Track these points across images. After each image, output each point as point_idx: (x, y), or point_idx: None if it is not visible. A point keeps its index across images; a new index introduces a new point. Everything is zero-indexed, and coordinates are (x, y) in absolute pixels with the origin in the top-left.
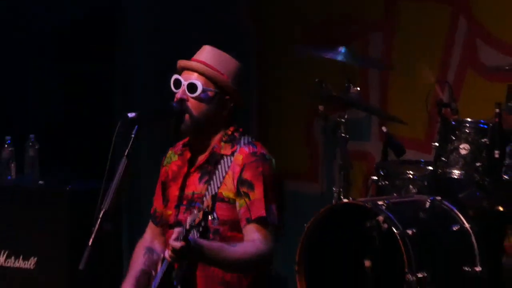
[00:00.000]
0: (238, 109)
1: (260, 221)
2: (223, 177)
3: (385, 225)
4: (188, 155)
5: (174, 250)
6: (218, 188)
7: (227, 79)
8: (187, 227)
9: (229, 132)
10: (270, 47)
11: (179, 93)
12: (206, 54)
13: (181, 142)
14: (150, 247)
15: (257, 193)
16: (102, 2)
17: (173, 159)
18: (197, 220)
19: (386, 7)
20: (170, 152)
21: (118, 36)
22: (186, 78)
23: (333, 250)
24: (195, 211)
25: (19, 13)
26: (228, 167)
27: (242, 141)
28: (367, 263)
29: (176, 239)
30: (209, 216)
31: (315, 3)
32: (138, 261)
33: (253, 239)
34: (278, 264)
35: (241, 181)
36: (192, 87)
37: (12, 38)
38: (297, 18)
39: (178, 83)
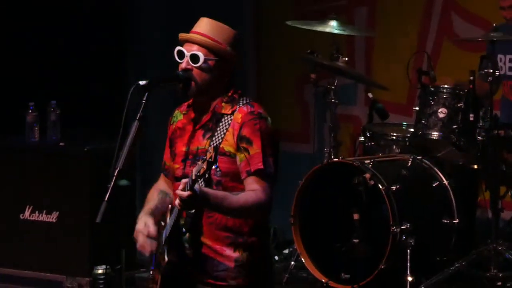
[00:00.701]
0: (236, 72)
1: (259, 173)
2: (224, 134)
3: (372, 182)
4: (192, 114)
5: (182, 199)
6: (220, 143)
7: (225, 47)
8: (193, 177)
9: (229, 94)
10: (266, 18)
11: (183, 63)
12: (205, 26)
13: (185, 103)
14: (163, 190)
15: (255, 148)
16: None
17: (179, 118)
18: (201, 170)
19: None
20: (176, 111)
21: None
22: (188, 50)
23: (324, 204)
24: (200, 163)
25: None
26: (229, 124)
27: (241, 102)
28: (356, 216)
29: (183, 189)
30: (213, 166)
31: None
32: (152, 198)
33: (253, 189)
34: (275, 218)
35: (240, 138)
36: (194, 58)
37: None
38: None
39: (181, 54)
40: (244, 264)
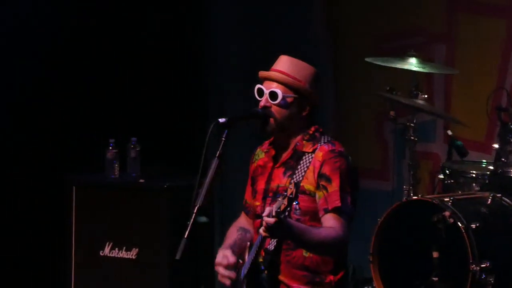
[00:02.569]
0: (316, 109)
1: (336, 211)
2: (305, 172)
3: (451, 220)
4: (273, 152)
5: (268, 226)
6: (301, 181)
7: (304, 85)
8: (273, 213)
9: (310, 132)
10: (345, 55)
11: (262, 101)
12: (284, 63)
13: (267, 141)
14: (243, 227)
15: (334, 186)
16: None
17: (260, 156)
18: (282, 207)
19: (448, 20)
20: (258, 150)
21: (208, 44)
22: (268, 87)
23: (403, 242)
24: (280, 199)
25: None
26: (309, 162)
27: (322, 140)
28: (435, 254)
29: (268, 215)
30: (293, 202)
31: (384, 16)
32: (232, 234)
33: (331, 226)
34: (353, 255)
35: (320, 175)
36: (273, 95)
37: (116, 48)
38: (368, 29)
39: (261, 92)
40: None
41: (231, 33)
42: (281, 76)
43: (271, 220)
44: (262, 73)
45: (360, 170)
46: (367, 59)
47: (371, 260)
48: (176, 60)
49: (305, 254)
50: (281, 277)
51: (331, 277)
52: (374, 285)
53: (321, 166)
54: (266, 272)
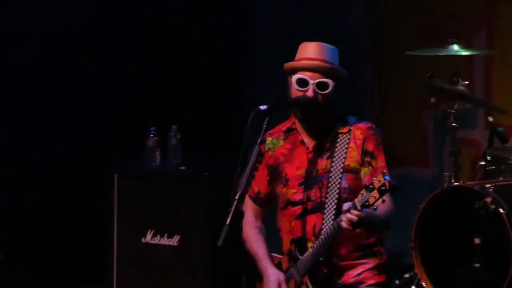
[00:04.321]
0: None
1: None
2: (346, 151)
3: (493, 206)
4: (299, 137)
5: (352, 222)
6: (344, 161)
7: (342, 70)
8: (358, 207)
9: (339, 113)
10: (385, 43)
11: (309, 91)
12: (320, 51)
13: (276, 129)
14: (259, 227)
15: (379, 161)
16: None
17: (279, 144)
18: (372, 200)
19: (488, 8)
20: (269, 138)
21: (248, 34)
22: (312, 77)
23: (444, 228)
24: (364, 192)
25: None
26: (348, 142)
27: (350, 120)
28: (477, 240)
29: (348, 212)
30: (386, 193)
31: (424, 4)
32: (258, 240)
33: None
34: (394, 242)
35: (364, 152)
36: (323, 85)
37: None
38: (408, 17)
39: (304, 82)
40: (375, 267)
41: (271, 23)
42: (326, 66)
43: (358, 214)
44: (305, 63)
45: (400, 157)
46: (407, 52)
47: (412, 246)
48: (217, 50)
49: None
50: (335, 259)
51: (378, 247)
52: (415, 272)
53: (363, 143)
54: (321, 258)
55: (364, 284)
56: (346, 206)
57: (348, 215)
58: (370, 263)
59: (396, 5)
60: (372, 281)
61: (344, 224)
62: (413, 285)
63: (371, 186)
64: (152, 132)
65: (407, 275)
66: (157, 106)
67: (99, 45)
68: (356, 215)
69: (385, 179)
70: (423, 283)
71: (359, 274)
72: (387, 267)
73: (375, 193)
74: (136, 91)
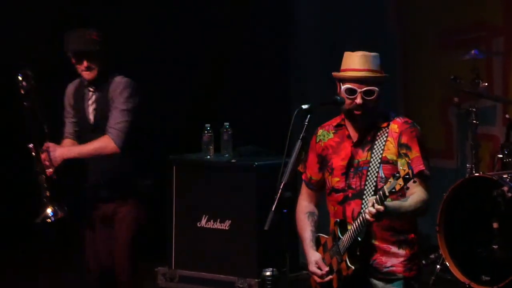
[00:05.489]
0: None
1: (420, 175)
2: (384, 144)
3: (509, 194)
4: (346, 132)
5: (374, 214)
6: (381, 153)
7: (386, 75)
8: (387, 193)
9: (381, 110)
10: (413, 45)
11: (358, 99)
12: (364, 61)
13: (327, 123)
14: (310, 211)
15: (414, 152)
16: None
17: (329, 136)
18: (398, 187)
19: (506, 14)
20: (320, 130)
21: (291, 35)
22: (359, 87)
23: (466, 214)
24: (392, 180)
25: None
26: (386, 135)
27: (389, 115)
28: (495, 224)
29: (373, 205)
30: (410, 181)
31: (448, 10)
32: (305, 224)
33: (416, 191)
34: (422, 226)
35: (400, 145)
36: (369, 93)
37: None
38: (434, 22)
39: (352, 91)
40: (408, 258)
41: (313, 26)
42: (372, 76)
43: (374, 210)
44: (352, 76)
45: (427, 150)
46: (431, 57)
47: (437, 230)
48: (263, 53)
49: None
50: (373, 241)
51: (412, 235)
52: (440, 253)
53: (399, 136)
54: (360, 239)
55: (394, 277)
56: (371, 200)
57: (370, 208)
58: (401, 256)
59: (424, 7)
60: (401, 275)
61: (367, 216)
62: (438, 265)
63: (397, 174)
64: (207, 128)
65: (432, 256)
66: (211, 105)
67: (162, 49)
68: (377, 209)
69: (409, 169)
70: (447, 263)
71: (392, 265)
72: (418, 259)
73: (400, 181)
74: (193, 92)
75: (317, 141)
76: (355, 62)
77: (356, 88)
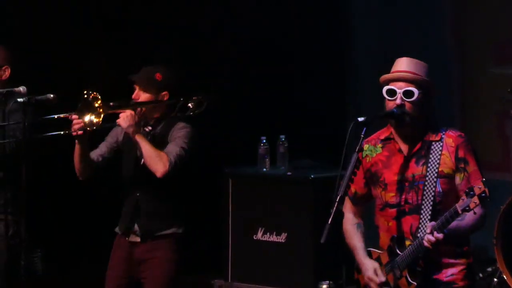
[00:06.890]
0: (433, 100)
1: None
2: (439, 158)
3: None
4: (396, 146)
5: (434, 243)
6: (438, 167)
7: (427, 80)
8: (460, 211)
9: (432, 122)
10: (470, 58)
11: (397, 100)
12: (407, 64)
13: (372, 137)
14: (358, 223)
15: (472, 166)
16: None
17: (377, 151)
18: (472, 205)
19: None
20: (366, 145)
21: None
22: (400, 87)
23: None
24: (465, 198)
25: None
26: (441, 149)
27: (442, 129)
28: None
29: (431, 232)
30: (483, 200)
31: (504, 24)
32: (356, 235)
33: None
34: (478, 239)
35: (458, 159)
36: (409, 94)
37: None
38: (490, 35)
39: (392, 92)
40: (465, 269)
41: (370, 39)
42: (411, 76)
43: (433, 239)
44: (393, 75)
45: (484, 162)
46: (489, 70)
47: (495, 243)
48: (318, 66)
49: None
50: (432, 254)
51: (467, 247)
52: (497, 266)
53: (456, 150)
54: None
55: (456, 285)
56: (430, 226)
57: (429, 236)
58: (460, 265)
59: (480, 20)
60: (462, 284)
61: (425, 243)
62: (495, 278)
63: (472, 192)
64: (263, 141)
65: (489, 269)
66: (267, 118)
67: (219, 62)
68: (436, 237)
69: (484, 187)
70: (504, 276)
71: (452, 274)
72: (473, 270)
73: (475, 199)
74: (249, 105)
75: (364, 156)
76: (400, 65)
77: (396, 89)
